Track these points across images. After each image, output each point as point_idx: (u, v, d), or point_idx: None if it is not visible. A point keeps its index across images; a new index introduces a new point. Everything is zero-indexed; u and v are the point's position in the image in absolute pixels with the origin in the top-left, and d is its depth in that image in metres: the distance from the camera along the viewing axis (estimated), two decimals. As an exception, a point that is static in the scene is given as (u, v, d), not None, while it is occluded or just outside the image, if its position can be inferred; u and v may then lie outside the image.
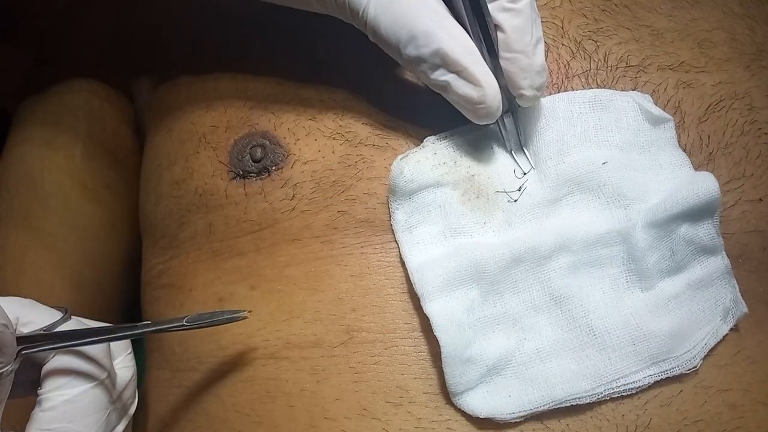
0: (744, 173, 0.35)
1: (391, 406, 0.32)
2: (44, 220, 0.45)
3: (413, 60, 0.31)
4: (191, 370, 0.37)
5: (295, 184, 0.36)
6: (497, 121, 0.33)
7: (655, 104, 0.35)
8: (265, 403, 0.34)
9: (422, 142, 0.35)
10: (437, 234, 0.34)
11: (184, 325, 0.31)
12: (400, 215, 0.34)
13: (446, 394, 0.31)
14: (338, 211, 0.35)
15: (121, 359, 0.34)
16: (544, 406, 0.31)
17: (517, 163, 0.34)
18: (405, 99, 0.36)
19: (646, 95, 0.35)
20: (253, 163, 0.37)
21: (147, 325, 0.32)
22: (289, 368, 0.34)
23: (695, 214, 0.32)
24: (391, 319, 0.33)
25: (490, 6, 0.31)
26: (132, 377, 0.34)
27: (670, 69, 0.37)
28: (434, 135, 0.35)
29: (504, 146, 0.35)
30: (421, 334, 0.33)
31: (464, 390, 0.31)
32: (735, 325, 0.33)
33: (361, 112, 0.36)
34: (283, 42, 0.40)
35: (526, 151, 0.35)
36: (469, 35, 0.31)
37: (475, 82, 0.31)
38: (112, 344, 0.33)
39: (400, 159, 0.34)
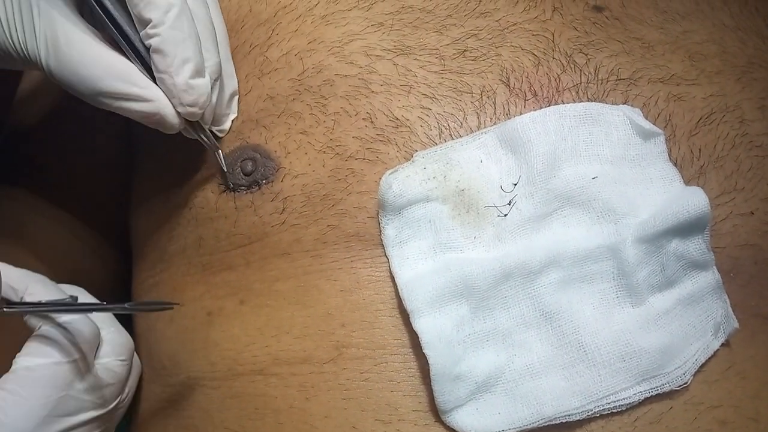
0: (735, 186, 0.35)
1: (380, 423, 0.32)
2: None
3: (90, 98, 0.33)
4: (181, 385, 0.37)
5: (285, 198, 0.36)
6: (198, 134, 0.36)
7: (646, 118, 0.35)
8: (254, 420, 0.34)
9: (412, 156, 0.34)
10: (427, 249, 0.33)
11: (125, 308, 0.33)
12: (390, 230, 0.34)
13: (436, 412, 0.31)
14: (328, 225, 0.35)
15: (109, 360, 0.34)
16: (533, 423, 0.31)
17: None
18: (395, 113, 0.36)
19: (637, 109, 0.35)
20: (243, 176, 0.37)
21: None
22: (278, 385, 0.34)
23: (685, 229, 0.32)
24: (381, 335, 0.33)
25: (141, 33, 0.33)
26: (117, 381, 0.34)
27: (660, 82, 0.36)
28: (424, 149, 0.35)
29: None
30: (410, 350, 0.33)
31: (453, 407, 0.31)
32: (726, 340, 0.33)
33: (351, 126, 0.36)
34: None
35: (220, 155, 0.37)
36: (131, 56, 0.33)
37: (143, 99, 0.33)
38: (106, 343, 0.34)
39: (389, 174, 0.34)
